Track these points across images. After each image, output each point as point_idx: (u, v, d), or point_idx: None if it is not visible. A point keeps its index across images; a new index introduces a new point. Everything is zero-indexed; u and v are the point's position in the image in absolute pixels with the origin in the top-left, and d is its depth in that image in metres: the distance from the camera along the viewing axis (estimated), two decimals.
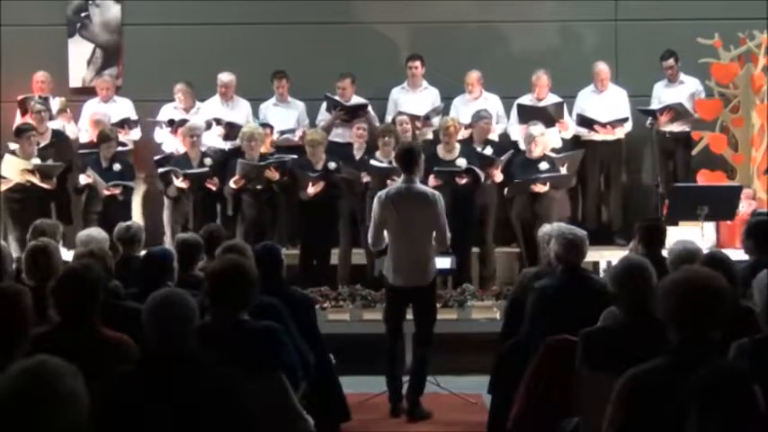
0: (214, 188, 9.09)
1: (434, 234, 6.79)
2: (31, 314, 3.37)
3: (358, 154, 9.21)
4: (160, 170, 9.26)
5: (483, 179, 8.89)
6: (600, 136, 9.80)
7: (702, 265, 4.42)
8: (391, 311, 6.99)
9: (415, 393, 6.90)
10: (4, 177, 9.07)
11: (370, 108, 9.82)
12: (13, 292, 3.43)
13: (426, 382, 7.08)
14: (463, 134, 9.44)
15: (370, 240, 7.02)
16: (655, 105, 9.88)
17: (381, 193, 6.91)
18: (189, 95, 9.90)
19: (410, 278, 6.81)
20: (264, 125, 9.59)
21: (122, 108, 10.02)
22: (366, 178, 8.87)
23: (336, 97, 9.81)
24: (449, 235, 6.88)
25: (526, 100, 9.82)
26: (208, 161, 9.22)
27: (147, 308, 3.55)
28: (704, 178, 9.66)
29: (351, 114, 9.72)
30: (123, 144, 9.70)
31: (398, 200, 6.75)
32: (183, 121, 9.60)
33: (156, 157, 9.48)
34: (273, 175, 8.98)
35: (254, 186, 8.99)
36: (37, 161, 9.08)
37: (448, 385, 7.21)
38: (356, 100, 9.88)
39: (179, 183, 9.04)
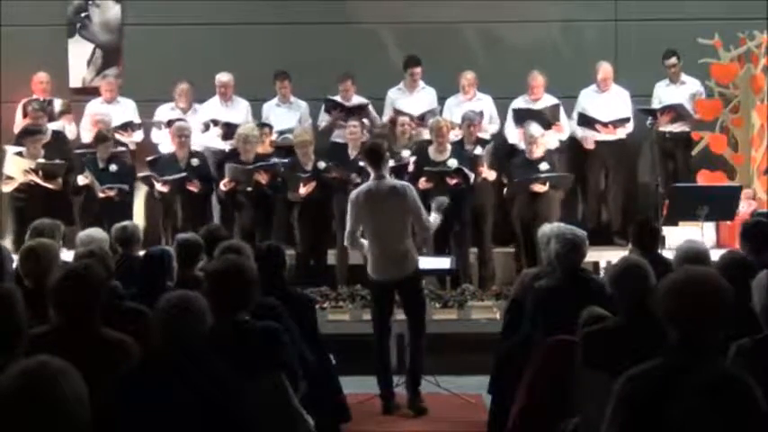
0: (196, 190, 9.07)
1: (414, 223, 6.93)
2: (25, 314, 3.35)
3: (353, 154, 9.21)
4: (140, 174, 9.27)
5: (473, 179, 8.90)
6: (601, 136, 9.80)
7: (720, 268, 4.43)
8: (377, 307, 7.07)
9: (415, 385, 6.97)
10: (10, 177, 9.09)
11: (371, 107, 9.83)
12: (4, 292, 3.42)
13: (426, 381, 7.11)
14: (456, 134, 9.44)
15: (345, 240, 7.17)
16: (655, 105, 9.89)
17: (353, 193, 7.08)
18: (190, 96, 9.90)
19: (391, 271, 6.90)
20: (263, 125, 9.59)
21: (126, 109, 10.02)
22: (357, 179, 8.87)
23: (336, 98, 9.82)
24: (428, 219, 7.00)
25: (521, 101, 9.82)
26: (195, 161, 9.21)
27: (160, 308, 3.53)
28: (704, 178, 9.66)
29: (350, 115, 9.73)
30: (123, 145, 9.70)
31: (369, 197, 6.89)
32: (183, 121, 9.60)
33: (148, 158, 9.46)
34: (263, 177, 8.96)
35: (244, 189, 8.98)
36: (41, 161, 9.11)
37: (448, 385, 7.21)
38: (357, 100, 9.88)
39: (159, 187, 9.05)
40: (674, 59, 9.83)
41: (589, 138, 9.78)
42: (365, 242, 7.02)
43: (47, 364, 2.42)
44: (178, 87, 9.86)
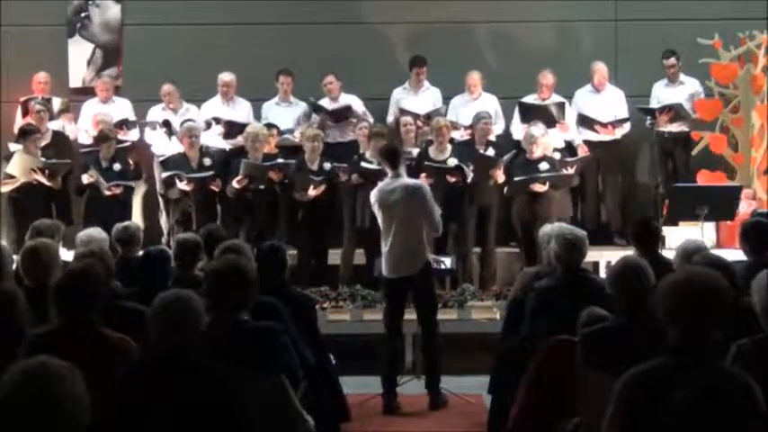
0: (217, 189, 9.07)
1: (425, 223, 7.01)
2: (27, 314, 3.36)
3: (365, 152, 9.21)
4: (164, 174, 9.25)
5: (470, 177, 8.91)
6: (597, 136, 9.81)
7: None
8: (388, 306, 7.11)
9: (434, 382, 7.02)
10: (12, 177, 9.09)
11: (356, 107, 9.82)
12: (6, 292, 3.42)
13: (424, 381, 7.12)
14: (462, 135, 9.45)
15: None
16: (654, 105, 9.88)
17: (372, 192, 7.20)
18: (176, 96, 9.90)
19: (400, 268, 6.97)
20: (270, 126, 9.59)
21: (121, 109, 10.02)
22: (359, 180, 8.87)
23: (321, 102, 9.83)
24: (439, 220, 7.11)
25: (530, 99, 9.81)
26: (207, 161, 9.20)
27: (153, 309, 3.53)
28: (704, 178, 9.65)
29: (336, 117, 9.75)
30: (123, 142, 9.70)
31: (384, 195, 7.02)
32: (183, 122, 9.59)
33: (161, 159, 9.46)
34: (277, 175, 8.96)
35: (257, 186, 8.98)
36: (44, 160, 9.11)
37: (448, 385, 7.21)
38: (345, 98, 9.88)
39: (182, 186, 9.03)
40: (673, 59, 9.82)
41: (584, 146, 9.76)
42: None
43: (48, 364, 2.42)
44: (162, 90, 9.86)
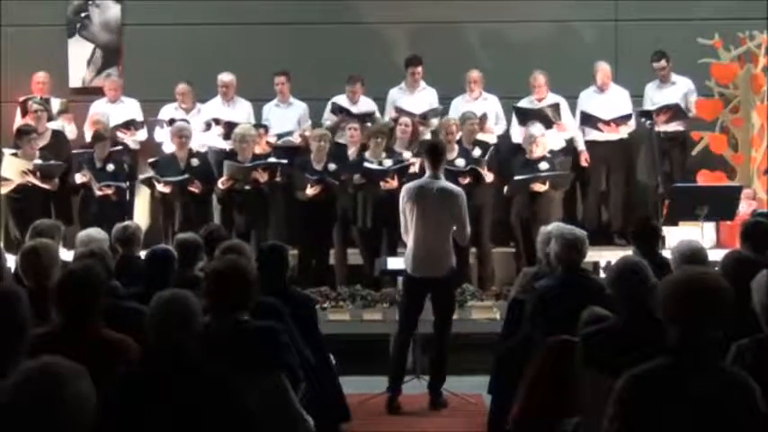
0: (197, 191, 9.05)
1: (455, 228, 7.01)
2: (29, 314, 3.35)
3: (353, 155, 9.21)
4: (141, 176, 9.26)
5: (488, 178, 8.92)
6: (602, 136, 9.79)
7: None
8: (407, 302, 7.11)
9: (438, 383, 7.05)
10: (6, 179, 9.08)
11: (377, 115, 9.83)
12: (10, 292, 3.42)
13: (424, 381, 7.14)
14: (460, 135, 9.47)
15: (401, 231, 7.23)
16: (647, 106, 9.86)
17: (405, 187, 7.22)
18: (190, 96, 9.89)
19: (424, 268, 6.98)
20: (259, 126, 9.57)
21: (129, 109, 10.02)
22: (359, 180, 8.87)
23: (343, 103, 9.80)
24: (468, 230, 7.14)
25: (526, 102, 9.81)
26: (195, 162, 9.17)
27: (150, 309, 3.55)
28: (704, 178, 9.65)
29: (357, 120, 9.74)
30: (121, 144, 9.69)
31: (419, 194, 6.99)
32: (185, 122, 9.59)
33: (150, 160, 9.42)
34: (261, 176, 8.95)
35: (241, 187, 8.96)
36: (38, 162, 9.10)
37: (448, 385, 7.22)
38: (364, 101, 9.88)
39: (161, 188, 9.04)
40: (663, 62, 9.78)
41: (585, 153, 9.74)
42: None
43: (52, 364, 2.42)
44: (177, 88, 9.87)
